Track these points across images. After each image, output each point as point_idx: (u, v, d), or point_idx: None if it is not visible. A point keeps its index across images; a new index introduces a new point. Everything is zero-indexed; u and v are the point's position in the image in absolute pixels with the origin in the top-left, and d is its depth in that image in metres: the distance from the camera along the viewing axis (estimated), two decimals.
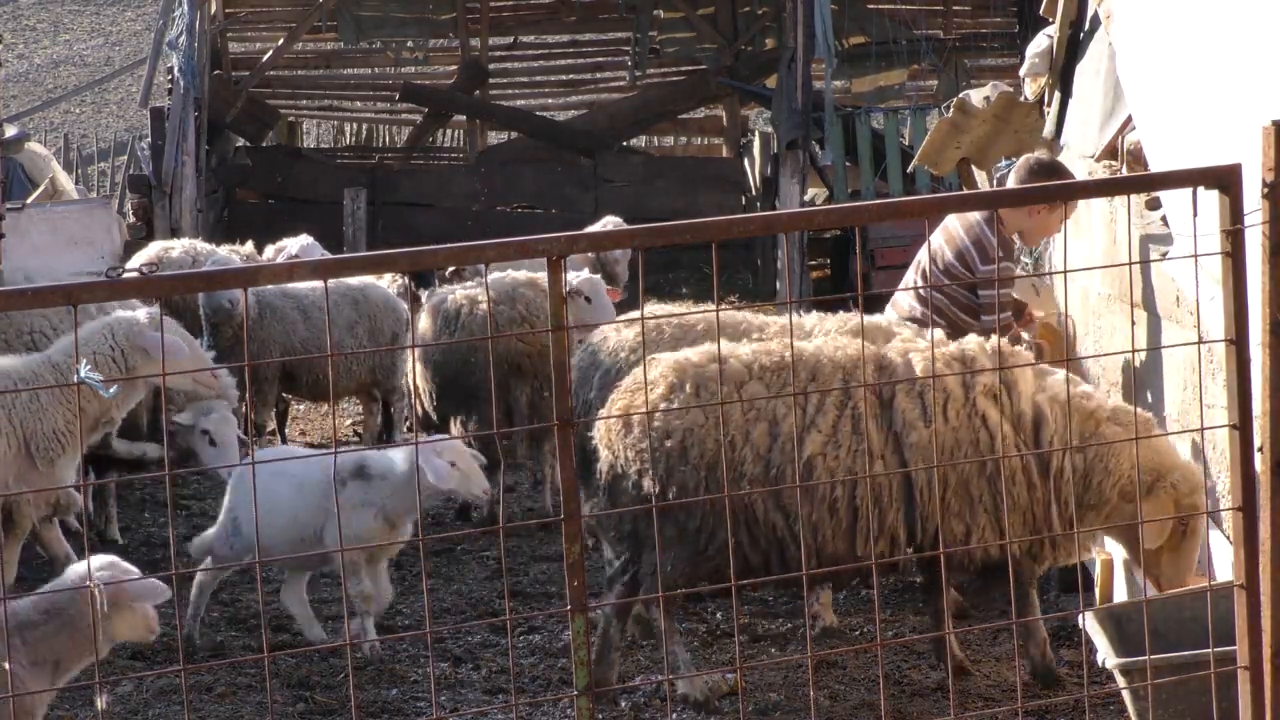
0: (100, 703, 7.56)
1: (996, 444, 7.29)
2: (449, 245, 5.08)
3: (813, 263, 19.93)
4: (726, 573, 7.27)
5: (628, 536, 7.65)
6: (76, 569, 6.54)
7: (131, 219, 19.61)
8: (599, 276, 11.30)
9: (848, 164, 19.02)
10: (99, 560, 6.60)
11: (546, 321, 11.21)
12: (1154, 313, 8.48)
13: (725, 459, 7.25)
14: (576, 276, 11.28)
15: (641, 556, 7.59)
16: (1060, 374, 7.50)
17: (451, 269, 12.61)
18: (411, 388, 11.28)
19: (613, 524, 7.79)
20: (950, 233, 9.21)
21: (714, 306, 8.95)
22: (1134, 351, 7.38)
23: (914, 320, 8.84)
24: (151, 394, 10.20)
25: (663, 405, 7.40)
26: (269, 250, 14.69)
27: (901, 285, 9.50)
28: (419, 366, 11.33)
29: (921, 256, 9.36)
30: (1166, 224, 8.65)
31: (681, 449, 7.34)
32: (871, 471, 7.20)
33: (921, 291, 9.11)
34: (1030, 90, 11.40)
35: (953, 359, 7.46)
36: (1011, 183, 9.50)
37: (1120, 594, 8.21)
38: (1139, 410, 7.65)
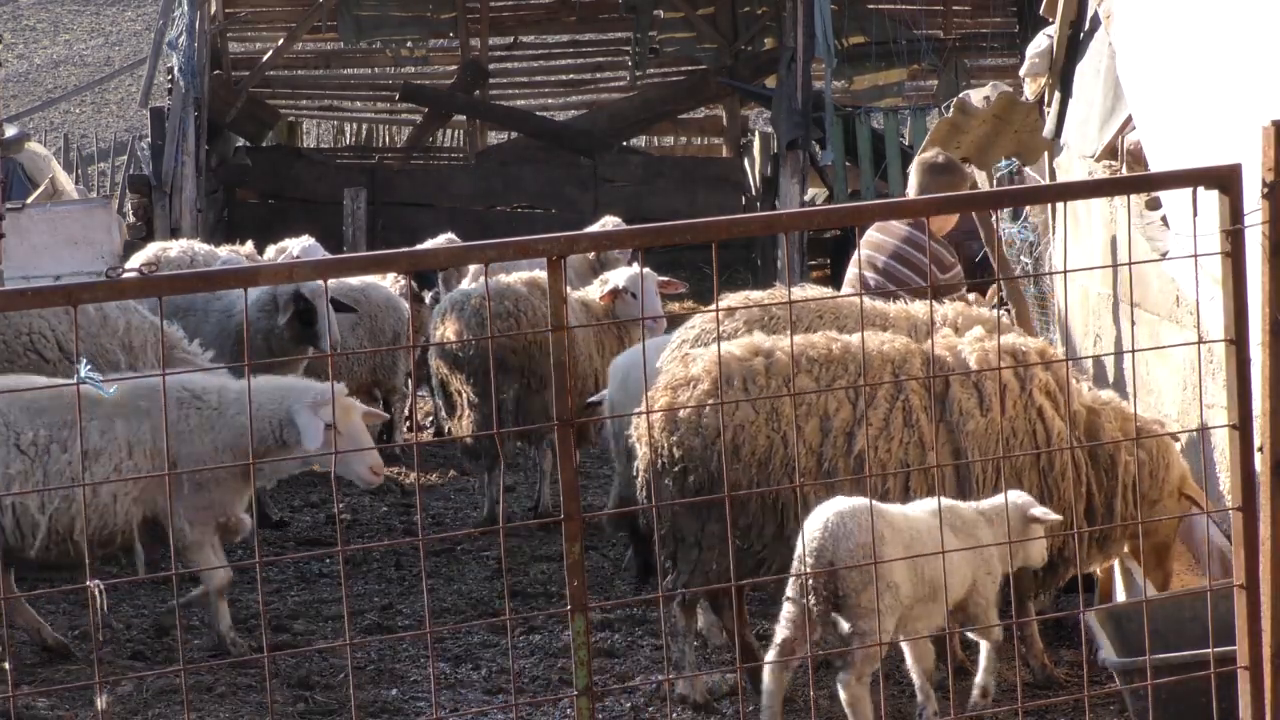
0: (100, 703, 7.56)
1: (1053, 439, 7.34)
2: (449, 245, 5.08)
3: (813, 263, 19.93)
4: (768, 570, 7.27)
5: (667, 535, 7.52)
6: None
7: (131, 219, 19.61)
8: (644, 270, 11.16)
9: (848, 164, 19.03)
10: (1016, 497, 6.87)
11: (532, 316, 11.32)
12: (1153, 312, 8.48)
13: (727, 455, 7.23)
14: (622, 275, 11.27)
15: (680, 554, 7.49)
16: (1084, 384, 7.61)
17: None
18: (413, 387, 11.26)
19: (652, 523, 7.67)
20: (878, 241, 9.55)
21: (714, 306, 8.98)
22: (1134, 351, 7.38)
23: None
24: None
25: (710, 401, 7.30)
26: (270, 251, 14.69)
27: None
28: (444, 367, 11.32)
29: (860, 266, 9.58)
30: (1166, 224, 8.66)
31: (733, 446, 7.28)
32: (925, 464, 7.21)
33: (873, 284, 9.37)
34: (1030, 90, 11.41)
35: (1004, 352, 7.48)
36: (913, 182, 9.80)
37: (1120, 594, 8.21)
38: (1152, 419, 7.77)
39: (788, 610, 6.64)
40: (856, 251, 9.72)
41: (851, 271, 9.85)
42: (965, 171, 10.27)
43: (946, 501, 6.82)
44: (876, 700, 6.57)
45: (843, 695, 6.54)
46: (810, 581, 6.46)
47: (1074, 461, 7.36)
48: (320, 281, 11.14)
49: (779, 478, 7.24)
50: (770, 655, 6.73)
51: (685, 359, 7.70)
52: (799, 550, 6.57)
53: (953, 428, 7.32)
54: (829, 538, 6.46)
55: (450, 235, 15.07)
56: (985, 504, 6.93)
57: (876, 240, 9.65)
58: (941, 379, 7.37)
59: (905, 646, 6.92)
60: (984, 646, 7.07)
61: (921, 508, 6.79)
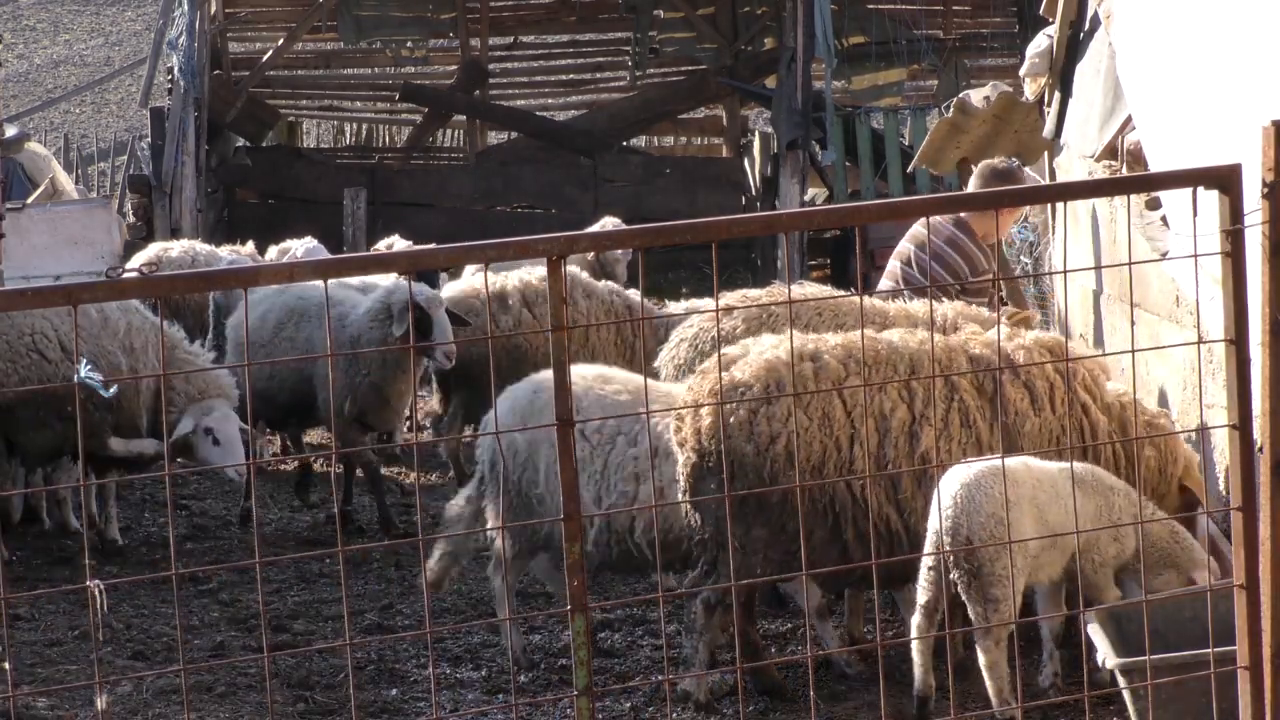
0: (100, 703, 7.56)
1: (1099, 432, 7.39)
2: (449, 245, 5.08)
3: (813, 263, 19.92)
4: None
5: (709, 540, 7.48)
6: None
7: (131, 219, 19.62)
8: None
9: (848, 164, 19.04)
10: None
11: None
12: (1153, 312, 8.49)
13: (758, 465, 7.22)
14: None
15: (721, 559, 7.43)
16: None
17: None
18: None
19: (694, 528, 7.60)
20: (919, 237, 9.55)
21: (714, 306, 8.99)
22: (1134, 351, 7.39)
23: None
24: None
25: (763, 409, 7.27)
26: (273, 251, 14.69)
27: (886, 286, 9.71)
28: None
29: (901, 262, 9.64)
30: (1166, 224, 8.66)
31: (787, 452, 7.25)
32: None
33: (912, 287, 9.38)
34: (1030, 90, 11.41)
35: (1042, 347, 7.52)
36: (973, 185, 9.85)
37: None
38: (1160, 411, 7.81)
39: (928, 574, 6.87)
40: (900, 245, 9.75)
41: (891, 264, 9.86)
42: (1025, 178, 10.32)
43: (1095, 468, 7.02)
44: (875, 700, 6.59)
45: (982, 659, 6.82)
46: (949, 557, 6.76)
47: (1114, 455, 7.42)
48: (435, 291, 11.14)
49: (834, 482, 7.28)
50: (916, 619, 6.93)
51: (723, 360, 7.63)
52: (933, 522, 6.83)
53: (1009, 428, 7.32)
54: (961, 514, 6.72)
55: (397, 238, 15.07)
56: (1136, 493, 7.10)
57: (919, 235, 9.65)
58: (990, 380, 7.37)
59: (1038, 600, 7.20)
60: (1044, 637, 7.20)
61: (1063, 465, 6.97)
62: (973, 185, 9.89)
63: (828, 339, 7.58)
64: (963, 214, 9.55)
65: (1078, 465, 7.02)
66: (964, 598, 6.79)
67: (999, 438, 7.27)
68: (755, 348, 7.57)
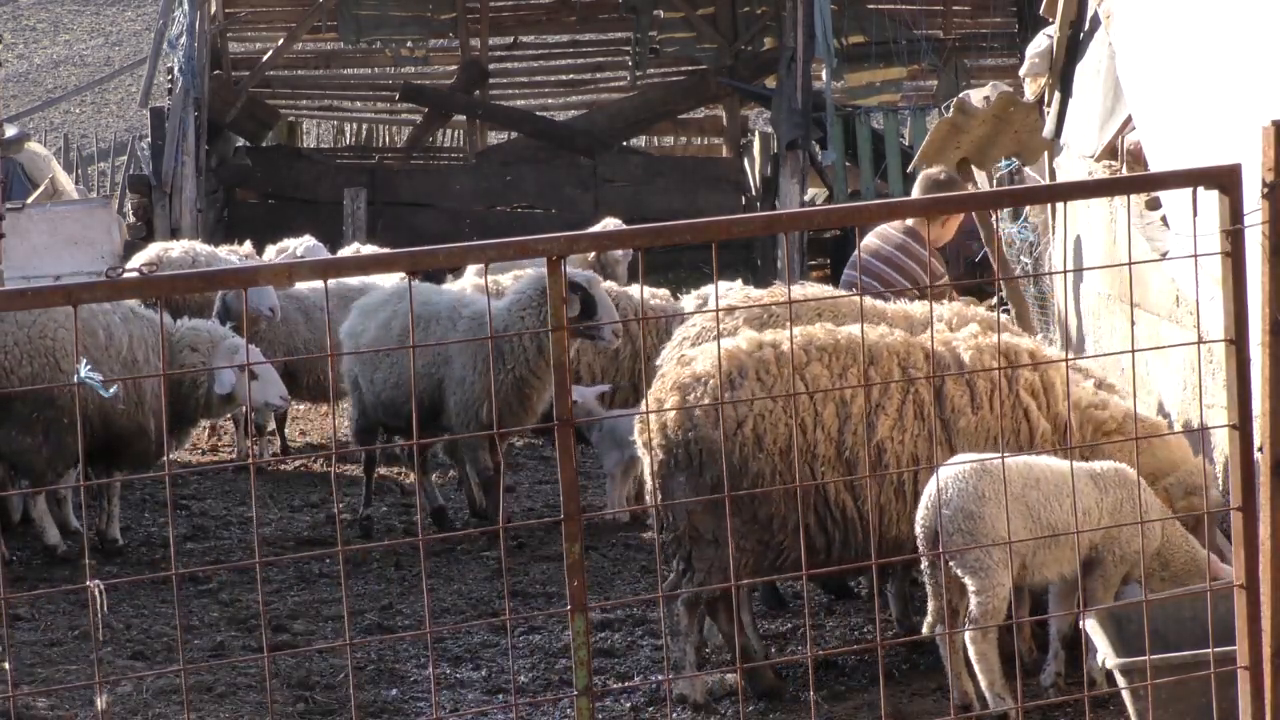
0: (100, 703, 7.56)
1: (1036, 438, 7.41)
2: (449, 245, 5.08)
3: (813, 263, 19.93)
4: (793, 560, 7.29)
5: (682, 535, 7.49)
6: None
7: (131, 219, 19.63)
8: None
9: (848, 164, 19.04)
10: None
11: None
12: (1153, 312, 8.49)
13: (727, 450, 7.23)
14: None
15: (696, 554, 7.47)
16: (1088, 383, 7.66)
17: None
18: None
19: (665, 525, 7.63)
20: (873, 246, 9.86)
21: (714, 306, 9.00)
22: (1134, 351, 7.39)
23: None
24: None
25: (728, 395, 7.35)
26: (270, 251, 14.68)
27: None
28: None
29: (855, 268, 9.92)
30: (1166, 224, 8.66)
31: (755, 436, 7.31)
32: (932, 457, 7.24)
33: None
34: (1030, 90, 11.40)
35: (994, 350, 7.53)
36: (916, 196, 10.15)
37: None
38: (1148, 417, 7.80)
39: (928, 579, 6.98)
40: (854, 255, 9.94)
41: (847, 274, 10.07)
42: (966, 187, 10.57)
43: (1122, 465, 7.04)
44: (875, 700, 6.59)
45: (971, 651, 6.88)
46: (924, 555, 6.86)
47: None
48: (592, 272, 10.99)
49: (800, 465, 7.32)
50: (938, 629, 6.99)
51: (682, 360, 7.70)
52: (918, 517, 6.93)
53: (946, 424, 7.38)
54: (931, 509, 6.81)
55: (310, 240, 14.78)
56: (1154, 494, 7.11)
57: (872, 245, 9.83)
58: (938, 375, 7.43)
59: (1051, 598, 7.27)
60: (1051, 635, 7.29)
61: (1081, 464, 7.01)
62: (916, 195, 10.10)
63: (781, 331, 7.69)
64: (910, 222, 9.71)
65: (1102, 463, 7.05)
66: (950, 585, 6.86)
67: (950, 433, 7.39)
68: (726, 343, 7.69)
